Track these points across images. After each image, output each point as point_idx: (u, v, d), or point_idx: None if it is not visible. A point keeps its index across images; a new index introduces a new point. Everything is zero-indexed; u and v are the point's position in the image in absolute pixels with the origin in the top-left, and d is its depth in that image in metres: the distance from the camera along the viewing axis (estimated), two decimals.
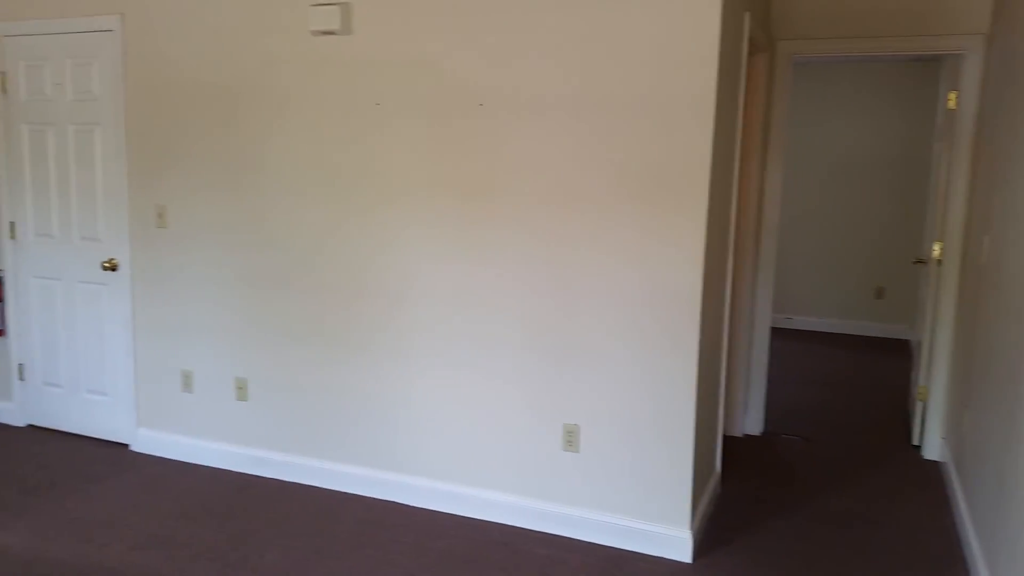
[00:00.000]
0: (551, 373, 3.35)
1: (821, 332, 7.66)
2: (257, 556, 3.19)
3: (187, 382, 4.10)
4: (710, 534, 3.44)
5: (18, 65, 4.31)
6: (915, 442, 4.58)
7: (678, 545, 3.22)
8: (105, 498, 3.70)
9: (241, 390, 3.97)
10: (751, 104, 4.32)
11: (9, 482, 3.86)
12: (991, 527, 2.87)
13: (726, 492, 3.87)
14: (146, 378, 4.22)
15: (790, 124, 7.55)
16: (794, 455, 4.39)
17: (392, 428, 3.68)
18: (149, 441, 4.25)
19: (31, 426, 4.61)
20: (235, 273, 3.91)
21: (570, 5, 3.14)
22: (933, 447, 4.38)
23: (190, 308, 4.04)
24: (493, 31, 3.27)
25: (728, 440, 4.57)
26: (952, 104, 4.31)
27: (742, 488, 3.93)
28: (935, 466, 4.28)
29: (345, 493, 3.78)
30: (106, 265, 4.19)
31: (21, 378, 4.59)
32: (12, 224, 4.48)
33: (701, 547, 3.32)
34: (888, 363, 6.53)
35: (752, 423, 4.73)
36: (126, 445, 4.35)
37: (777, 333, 7.42)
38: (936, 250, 4.38)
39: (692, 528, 3.24)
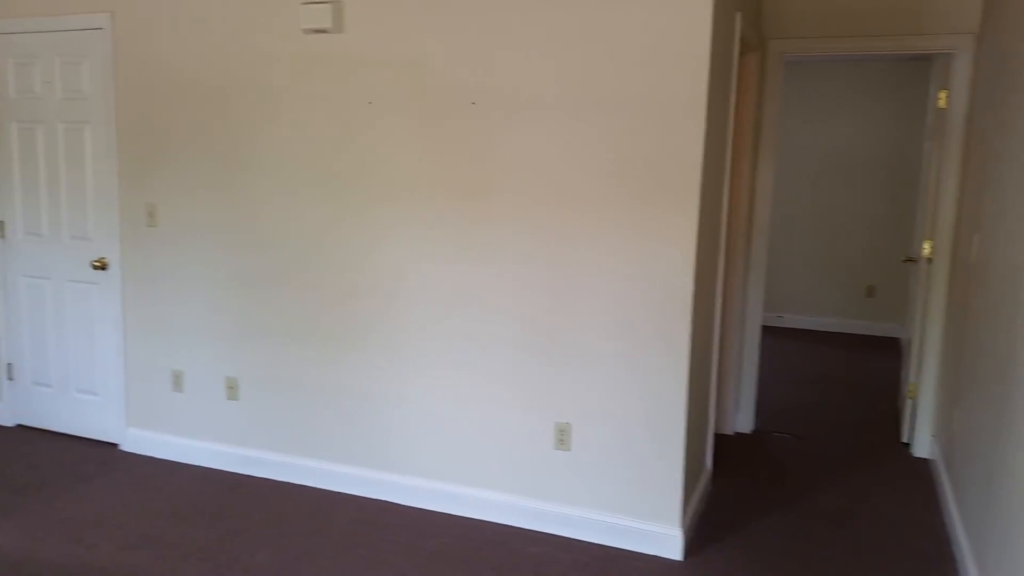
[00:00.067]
0: (543, 372, 3.35)
1: (812, 330, 7.69)
2: (248, 556, 3.18)
3: (177, 381, 4.09)
4: (701, 532, 3.44)
5: (7, 63, 4.28)
6: (905, 440, 4.60)
7: (669, 543, 3.22)
8: (95, 498, 3.69)
9: (232, 389, 3.96)
10: (743, 103, 4.33)
11: None
12: (980, 524, 2.89)
13: (717, 490, 3.88)
14: (136, 378, 4.20)
15: (781, 123, 7.57)
16: (785, 453, 4.41)
17: (384, 427, 3.68)
18: (139, 441, 4.23)
19: (20, 426, 4.59)
20: (226, 272, 3.89)
21: (562, 4, 3.14)
22: (923, 445, 4.40)
23: (180, 307, 4.03)
24: (484, 30, 3.27)
25: (719, 438, 4.59)
26: (942, 103, 4.32)
27: (733, 486, 3.94)
28: (925, 464, 4.30)
29: (338, 493, 3.78)
30: (96, 264, 4.17)
31: (10, 378, 4.57)
32: (1, 223, 4.45)
33: (692, 545, 3.33)
34: (878, 361, 6.56)
35: (743, 421, 4.75)
36: (116, 445, 4.33)
37: (768, 331, 7.45)
38: (926, 249, 4.39)
39: (683, 526, 3.24)
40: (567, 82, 3.17)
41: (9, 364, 4.56)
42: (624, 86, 3.08)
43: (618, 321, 3.21)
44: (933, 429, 4.35)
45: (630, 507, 3.29)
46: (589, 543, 3.33)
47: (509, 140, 3.28)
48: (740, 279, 4.53)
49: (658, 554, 3.24)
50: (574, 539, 3.36)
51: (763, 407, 5.18)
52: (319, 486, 3.83)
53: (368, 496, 3.74)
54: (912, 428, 4.50)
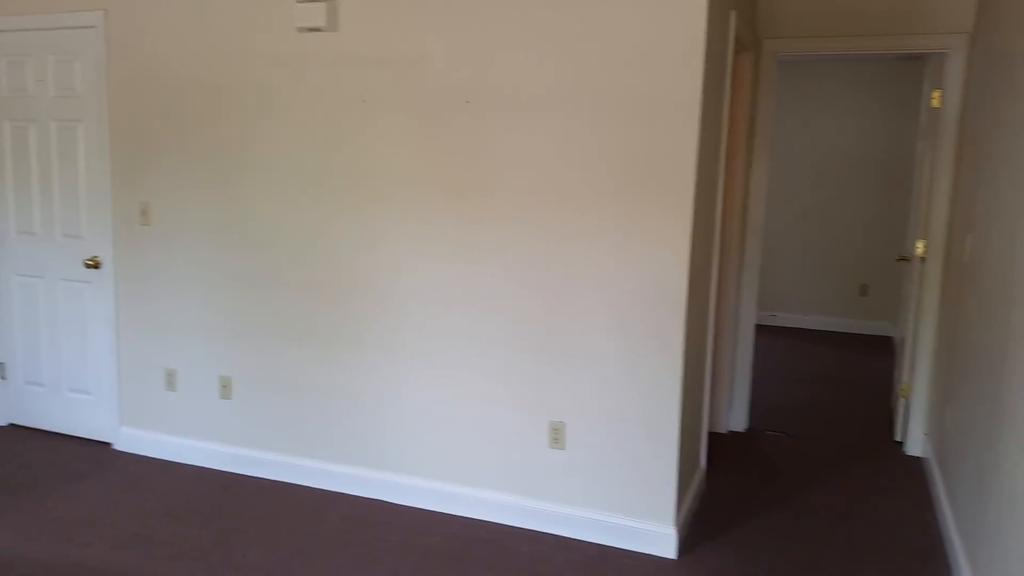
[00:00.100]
0: (538, 370, 3.35)
1: (806, 329, 7.70)
2: (241, 555, 3.18)
3: (170, 380, 4.08)
4: (695, 530, 3.45)
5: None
6: (898, 438, 4.61)
7: (663, 541, 3.23)
8: (87, 497, 3.68)
9: (225, 388, 3.95)
10: (737, 103, 4.33)
11: None
12: (972, 522, 2.90)
13: (711, 488, 3.89)
14: (129, 376, 4.19)
15: (775, 122, 7.58)
16: (778, 451, 4.41)
17: (379, 426, 3.67)
18: (132, 440, 4.22)
19: (12, 425, 4.57)
20: (219, 271, 3.88)
21: (558, 3, 3.13)
22: (916, 443, 4.41)
23: (174, 306, 4.02)
24: (479, 28, 3.26)
25: (713, 436, 4.59)
26: (936, 103, 4.33)
27: (727, 484, 3.94)
28: (917, 462, 4.31)
29: (331, 492, 3.77)
30: (89, 263, 4.16)
31: (3, 377, 4.55)
32: None
33: (686, 543, 3.33)
34: (872, 360, 6.57)
35: (737, 419, 4.75)
36: (109, 444, 4.32)
37: (762, 330, 7.45)
38: (920, 248, 4.41)
39: (677, 524, 3.25)
40: (562, 81, 3.16)
41: (1, 363, 4.54)
42: (619, 85, 3.08)
43: (612, 320, 3.21)
44: (926, 427, 4.36)
45: (624, 506, 3.29)
46: (583, 541, 3.34)
47: (504, 139, 3.28)
48: (734, 278, 4.54)
49: (652, 552, 3.25)
50: (568, 537, 3.36)
51: (757, 405, 5.19)
52: (312, 485, 3.83)
53: (362, 495, 3.73)
54: (905, 426, 4.51)
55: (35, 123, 4.23)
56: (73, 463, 4.06)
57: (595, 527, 3.33)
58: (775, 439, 4.62)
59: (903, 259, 5.03)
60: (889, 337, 7.40)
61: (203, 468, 4.02)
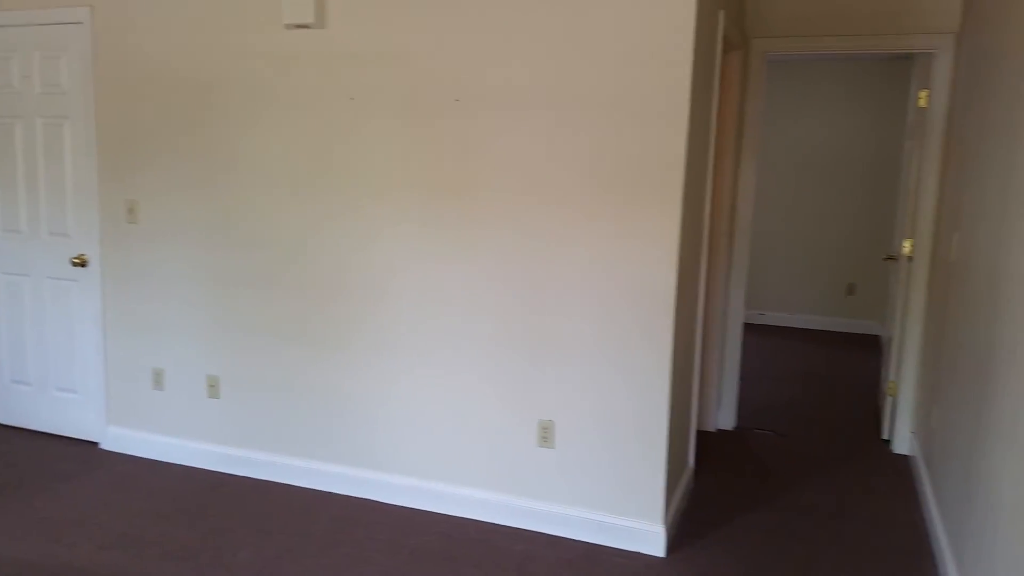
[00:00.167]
0: (527, 370, 3.35)
1: (793, 328, 7.74)
2: (230, 555, 3.17)
3: (158, 380, 4.06)
4: (683, 528, 3.46)
5: None
6: (885, 436, 4.64)
7: (652, 540, 3.24)
8: (74, 497, 3.65)
9: (213, 388, 3.94)
10: (725, 102, 4.34)
11: None
12: (958, 521, 2.92)
13: (699, 487, 3.90)
14: (116, 375, 4.17)
15: (764, 122, 7.60)
16: (766, 450, 4.43)
17: (368, 425, 3.67)
18: (119, 439, 4.20)
19: None
20: (207, 269, 3.87)
21: (547, 2, 3.13)
22: (903, 441, 4.44)
23: (161, 305, 4.00)
24: (468, 27, 3.26)
25: (701, 435, 4.61)
26: (923, 102, 4.36)
27: (715, 483, 3.96)
28: (904, 460, 4.34)
29: (321, 491, 3.77)
30: (75, 261, 4.13)
31: None
32: None
33: (674, 541, 3.34)
34: (859, 358, 6.61)
35: (725, 418, 4.77)
36: (96, 443, 4.29)
37: (750, 329, 7.48)
38: (907, 247, 4.43)
39: (666, 523, 3.26)
40: (552, 80, 3.16)
41: None
42: (608, 84, 3.09)
43: (601, 319, 3.21)
44: (913, 426, 4.39)
45: (613, 504, 3.30)
46: (572, 540, 3.34)
47: (493, 138, 3.28)
48: (722, 276, 4.55)
49: (641, 551, 3.26)
50: (557, 536, 3.37)
51: (745, 404, 5.21)
52: (302, 484, 3.82)
53: (352, 494, 3.73)
54: (892, 425, 4.54)
55: (21, 119, 4.20)
56: (60, 463, 4.03)
57: (584, 525, 3.33)
58: (763, 437, 4.64)
59: (890, 258, 5.05)
60: (876, 336, 7.44)
61: (191, 468, 4.01)
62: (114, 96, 3.95)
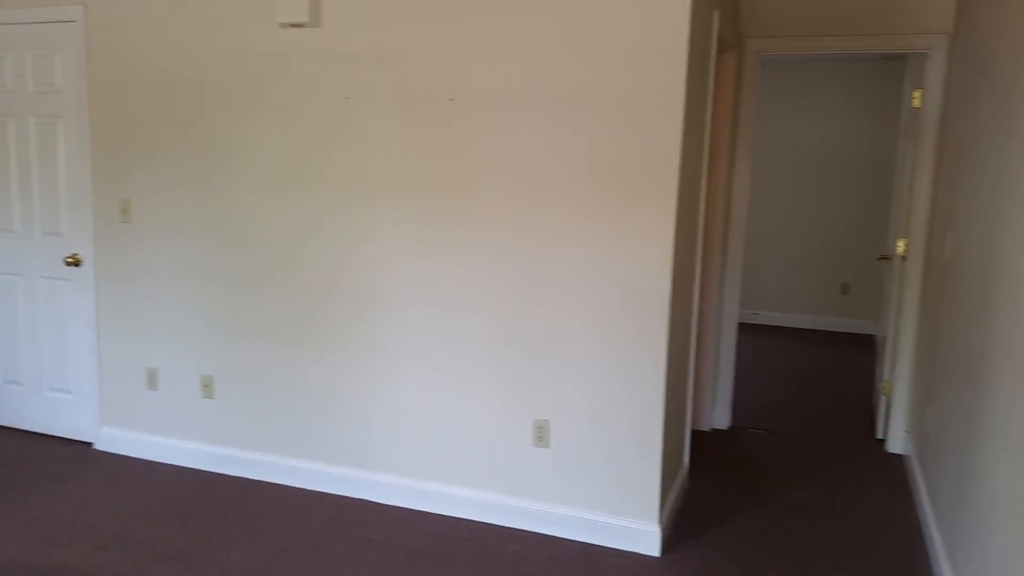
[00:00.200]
0: (522, 369, 3.35)
1: (788, 327, 7.75)
2: (223, 555, 3.16)
3: (152, 380, 4.05)
4: (678, 528, 3.46)
5: None
6: (879, 436, 4.65)
7: (647, 539, 3.24)
8: (67, 497, 3.64)
9: (207, 388, 3.93)
10: (720, 102, 4.35)
11: None
12: (952, 520, 2.93)
13: (694, 486, 3.90)
14: (110, 376, 4.15)
15: (758, 122, 7.62)
16: (761, 449, 4.44)
17: (363, 425, 3.66)
18: (113, 439, 4.18)
19: None
20: (202, 269, 3.86)
21: (542, 1, 3.13)
22: (897, 441, 4.45)
23: (155, 304, 3.98)
24: (463, 25, 3.26)
25: (696, 434, 4.61)
26: (917, 103, 4.37)
27: (710, 482, 3.96)
28: (899, 459, 4.35)
29: (315, 491, 3.76)
30: (69, 260, 4.12)
31: None
32: None
33: (669, 541, 3.34)
34: (853, 358, 6.62)
35: (720, 417, 4.78)
36: (89, 444, 4.28)
37: (744, 328, 7.50)
38: (900, 247, 4.44)
39: (660, 522, 3.26)
40: (547, 79, 3.16)
41: None
42: (603, 84, 3.09)
43: (596, 319, 3.21)
44: (907, 425, 4.40)
45: (608, 504, 3.30)
46: (567, 540, 3.34)
47: (488, 137, 3.28)
48: (717, 276, 4.56)
49: (636, 550, 3.26)
50: (552, 536, 3.37)
51: (740, 403, 5.22)
52: (296, 484, 3.81)
53: (346, 494, 3.72)
54: (886, 424, 4.55)
55: (14, 118, 4.18)
56: (53, 463, 4.02)
57: (579, 525, 3.33)
58: (758, 437, 4.64)
59: (884, 258, 5.07)
60: (870, 335, 7.46)
61: (185, 468, 4.00)
62: (108, 95, 3.93)
